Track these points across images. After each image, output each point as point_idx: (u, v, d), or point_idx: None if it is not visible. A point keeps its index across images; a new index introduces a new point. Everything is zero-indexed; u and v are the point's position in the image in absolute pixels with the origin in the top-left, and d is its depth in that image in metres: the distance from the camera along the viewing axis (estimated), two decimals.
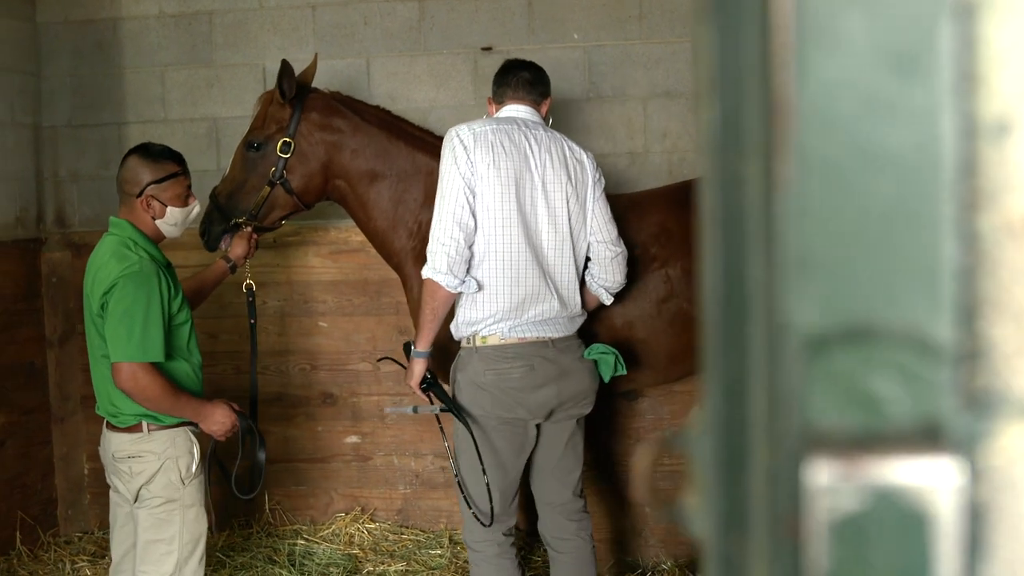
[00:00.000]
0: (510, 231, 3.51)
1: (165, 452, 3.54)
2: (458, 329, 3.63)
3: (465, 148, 3.49)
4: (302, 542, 5.01)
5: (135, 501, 3.58)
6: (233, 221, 4.21)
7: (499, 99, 3.79)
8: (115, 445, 3.58)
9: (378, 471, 5.19)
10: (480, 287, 3.53)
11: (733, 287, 0.64)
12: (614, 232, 3.77)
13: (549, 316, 3.61)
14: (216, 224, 4.23)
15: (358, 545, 4.99)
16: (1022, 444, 0.59)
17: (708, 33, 0.64)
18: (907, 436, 0.57)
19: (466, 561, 4.85)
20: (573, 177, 3.65)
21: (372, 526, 5.13)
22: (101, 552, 5.06)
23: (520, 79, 3.75)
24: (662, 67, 4.90)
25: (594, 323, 3.98)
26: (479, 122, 3.63)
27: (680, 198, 4.25)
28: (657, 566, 4.88)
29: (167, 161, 3.63)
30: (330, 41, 5.11)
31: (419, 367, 3.64)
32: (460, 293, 3.56)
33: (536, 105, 3.76)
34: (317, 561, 4.85)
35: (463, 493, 3.64)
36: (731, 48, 0.63)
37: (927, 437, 0.57)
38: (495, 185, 3.49)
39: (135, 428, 3.54)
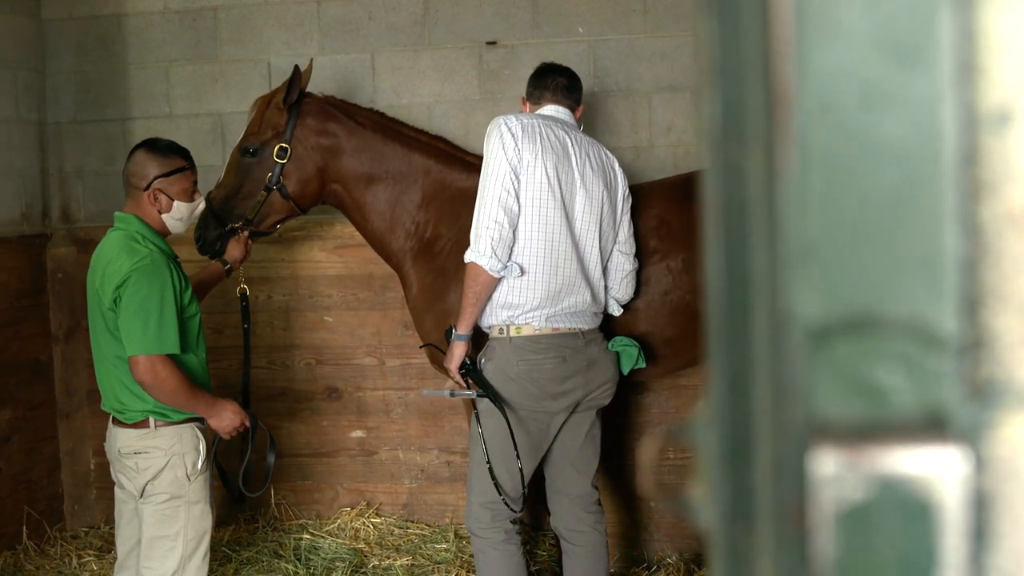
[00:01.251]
0: (552, 220, 3.58)
1: (172, 448, 3.54)
2: (492, 313, 3.64)
3: (513, 136, 3.54)
4: (308, 536, 5.02)
5: (140, 497, 3.58)
6: (229, 226, 4.22)
7: (536, 100, 3.88)
8: (121, 441, 3.58)
9: (383, 466, 5.19)
10: (523, 271, 3.57)
11: (736, 278, 0.64)
12: (635, 248, 3.92)
13: (581, 308, 3.67)
14: (211, 229, 4.23)
15: (363, 539, 4.99)
16: None
17: (708, 24, 0.64)
18: (911, 426, 0.58)
19: (471, 556, 4.85)
20: (609, 183, 3.76)
21: (377, 520, 5.13)
22: (107, 547, 5.07)
23: (558, 84, 3.86)
24: (666, 61, 4.90)
25: None
26: (524, 115, 3.69)
27: (679, 191, 4.25)
28: (663, 560, 4.88)
29: (174, 156, 3.64)
30: (334, 36, 5.11)
31: (459, 350, 3.65)
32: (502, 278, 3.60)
33: (572, 110, 3.88)
34: (323, 555, 4.86)
35: (493, 479, 3.64)
36: (731, 39, 0.63)
37: (931, 427, 0.58)
38: (540, 175, 3.55)
39: (142, 424, 3.54)
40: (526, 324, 3.61)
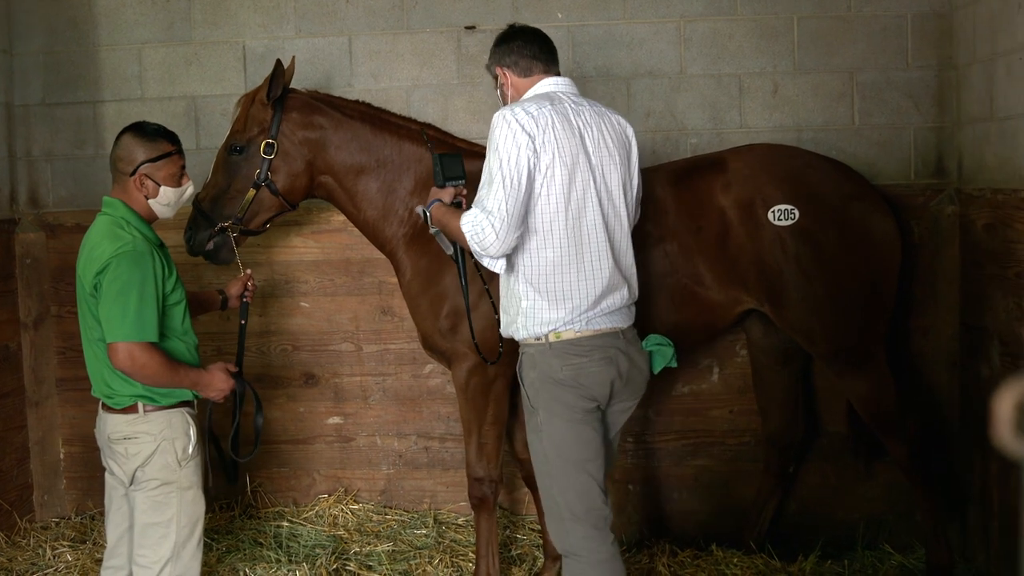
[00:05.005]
0: (581, 225, 3.35)
1: (161, 433, 3.50)
2: (530, 327, 3.41)
3: (530, 137, 3.25)
4: (286, 524, 4.98)
5: (131, 483, 3.53)
6: (219, 226, 4.19)
7: (525, 72, 3.54)
8: (111, 426, 3.53)
9: (361, 452, 5.17)
10: (536, 291, 3.38)
11: None
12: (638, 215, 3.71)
13: (618, 306, 3.46)
14: (201, 230, 4.21)
15: (342, 526, 4.97)
16: None
17: None
18: None
19: (453, 540, 4.85)
20: (627, 159, 3.51)
21: (355, 507, 5.11)
22: (81, 537, 4.99)
23: (544, 49, 3.55)
24: (645, 47, 4.92)
25: None
26: (529, 104, 3.35)
27: (673, 178, 4.27)
28: (640, 542, 4.92)
29: (162, 140, 3.58)
30: (311, 19, 5.06)
31: (436, 205, 3.64)
32: (535, 301, 3.39)
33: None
34: (303, 543, 4.83)
35: (585, 481, 3.39)
36: None
37: None
38: (562, 179, 3.29)
39: (131, 409, 3.50)
40: (566, 329, 3.39)
